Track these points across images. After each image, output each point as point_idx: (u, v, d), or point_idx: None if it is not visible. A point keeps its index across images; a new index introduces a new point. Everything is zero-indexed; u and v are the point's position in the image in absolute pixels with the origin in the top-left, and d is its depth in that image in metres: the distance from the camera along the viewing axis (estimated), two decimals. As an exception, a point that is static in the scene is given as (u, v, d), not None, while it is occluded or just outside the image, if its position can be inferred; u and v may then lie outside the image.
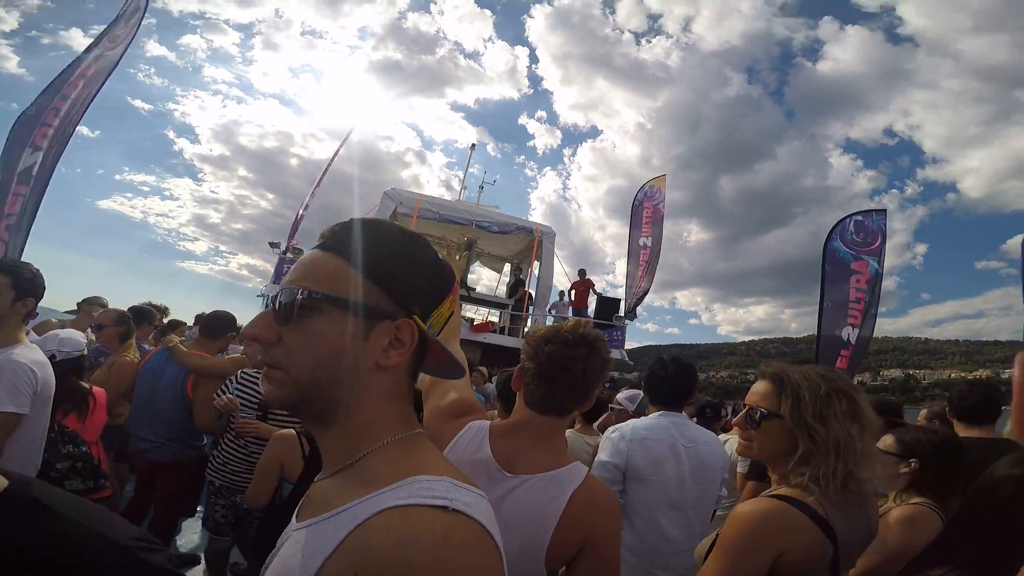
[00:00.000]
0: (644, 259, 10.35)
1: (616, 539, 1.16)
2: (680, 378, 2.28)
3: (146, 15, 6.62)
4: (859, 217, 7.95)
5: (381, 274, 0.63)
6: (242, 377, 2.80)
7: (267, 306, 0.64)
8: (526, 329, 12.03)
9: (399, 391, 0.66)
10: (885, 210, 8.07)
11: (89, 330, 3.75)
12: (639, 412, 3.23)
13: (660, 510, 2.04)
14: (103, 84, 6.34)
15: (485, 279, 13.81)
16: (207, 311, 5.76)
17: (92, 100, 6.26)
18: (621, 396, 3.31)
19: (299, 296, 0.60)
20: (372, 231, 0.65)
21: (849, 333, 7.74)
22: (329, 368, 0.60)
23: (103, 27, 6.58)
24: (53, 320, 4.26)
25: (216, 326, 3.25)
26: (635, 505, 2.06)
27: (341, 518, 0.55)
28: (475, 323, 10.97)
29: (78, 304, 4.30)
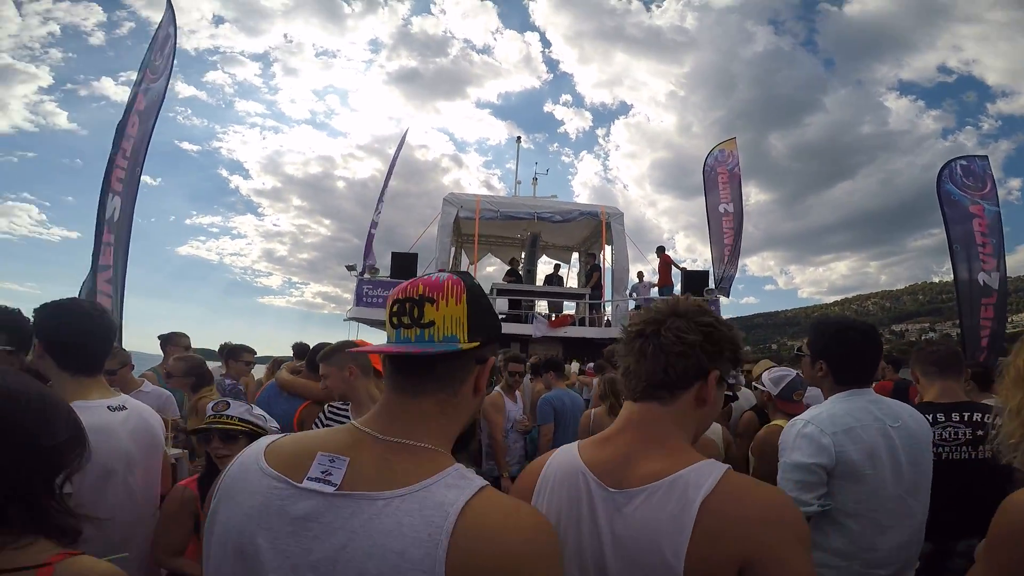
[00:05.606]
0: (728, 225, 9.64)
1: (797, 551, 0.84)
2: (874, 348, 1.91)
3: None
4: (963, 162, 7.59)
5: None
6: (330, 411, 2.58)
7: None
8: (607, 317, 11.59)
9: None
10: (987, 156, 7.75)
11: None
12: (785, 396, 2.82)
13: (881, 505, 1.70)
14: (157, 117, 6.12)
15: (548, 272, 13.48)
16: (299, 342, 5.48)
17: (151, 136, 6.07)
18: (765, 377, 2.92)
19: None
20: None
21: (986, 279, 7.01)
22: None
23: (132, 72, 6.25)
24: (149, 372, 3.83)
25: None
26: (849, 507, 1.71)
27: None
28: (552, 319, 10.62)
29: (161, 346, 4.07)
